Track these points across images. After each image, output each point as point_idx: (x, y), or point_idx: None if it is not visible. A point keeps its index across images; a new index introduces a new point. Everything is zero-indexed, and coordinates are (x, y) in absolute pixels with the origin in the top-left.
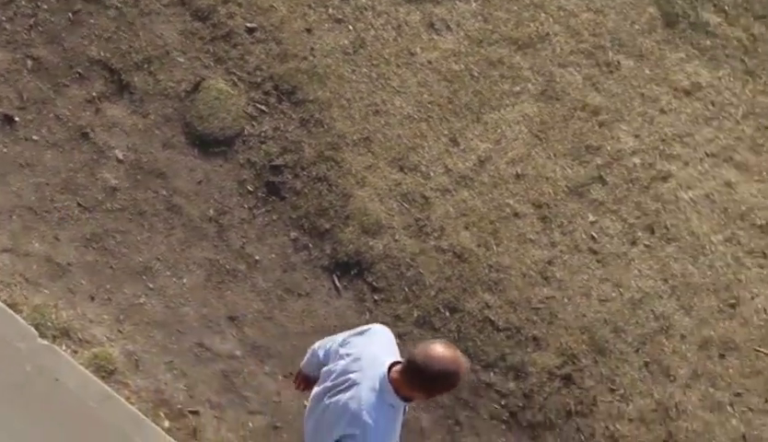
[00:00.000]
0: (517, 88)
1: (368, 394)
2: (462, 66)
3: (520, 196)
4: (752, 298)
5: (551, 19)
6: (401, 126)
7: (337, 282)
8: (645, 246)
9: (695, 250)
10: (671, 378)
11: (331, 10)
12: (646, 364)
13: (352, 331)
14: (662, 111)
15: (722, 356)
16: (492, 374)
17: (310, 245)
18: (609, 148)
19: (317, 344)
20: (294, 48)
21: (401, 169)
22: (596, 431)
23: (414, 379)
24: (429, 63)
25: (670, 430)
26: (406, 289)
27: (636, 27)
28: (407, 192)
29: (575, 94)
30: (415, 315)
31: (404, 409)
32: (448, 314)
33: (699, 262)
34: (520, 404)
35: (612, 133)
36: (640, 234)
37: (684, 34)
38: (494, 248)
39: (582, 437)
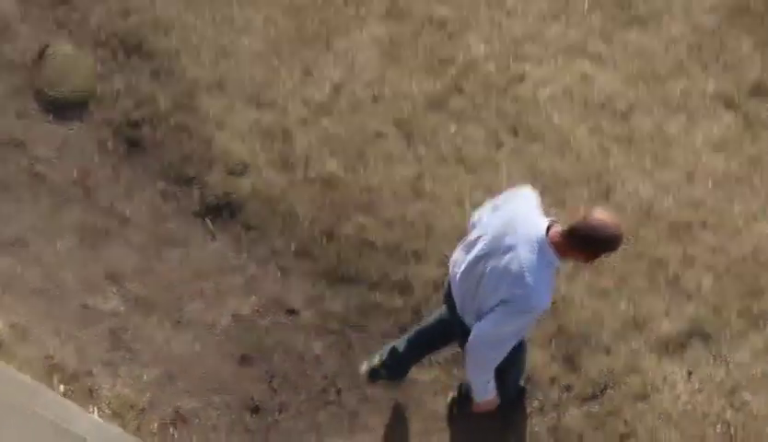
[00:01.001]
0: (363, 11)
1: (528, 255)
2: None
3: (381, 117)
4: (623, 184)
5: None
6: (253, 64)
7: (210, 226)
8: (511, 148)
9: (561, 145)
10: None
11: None
12: None
13: (499, 198)
14: (509, 14)
15: None
16: (378, 293)
17: (179, 193)
18: (462, 58)
19: (475, 216)
20: (134, 1)
21: (259, 107)
22: None
23: (583, 246)
24: None
25: (560, 323)
26: (280, 223)
27: None
28: (267, 128)
29: (420, 9)
30: (293, 247)
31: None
32: (325, 242)
33: (566, 157)
34: (409, 319)
35: (463, 42)
36: (504, 137)
37: None
38: (362, 171)
39: None
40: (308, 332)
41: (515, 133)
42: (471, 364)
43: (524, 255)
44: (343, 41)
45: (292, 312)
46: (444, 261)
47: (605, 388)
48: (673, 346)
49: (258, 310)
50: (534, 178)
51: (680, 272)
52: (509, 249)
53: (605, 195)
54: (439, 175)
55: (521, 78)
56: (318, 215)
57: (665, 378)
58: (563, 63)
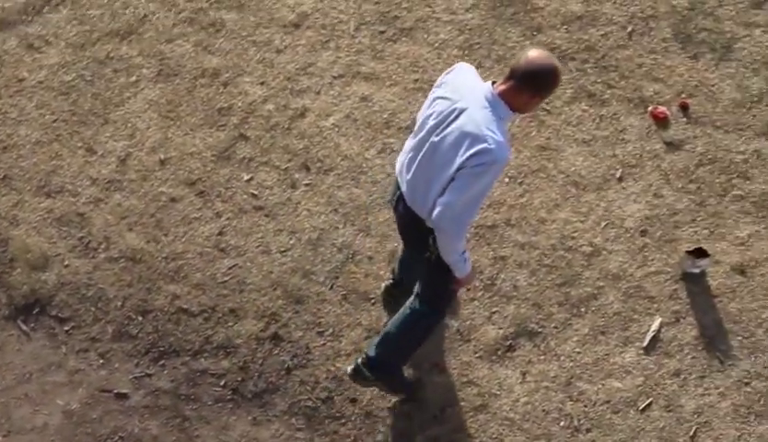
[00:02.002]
0: (134, 78)
1: (481, 112)
2: (74, 75)
3: (171, 180)
4: None
5: (143, 0)
6: (34, 154)
7: (23, 326)
8: (306, 185)
9: (354, 172)
10: (372, 300)
11: None
12: (345, 296)
13: (440, 77)
14: (279, 51)
15: None
16: (203, 360)
17: None
18: (240, 104)
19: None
20: None
21: (49, 195)
22: (319, 377)
23: (528, 83)
24: (40, 83)
25: None
26: (93, 309)
27: None
28: (61, 216)
29: (190, 64)
30: (110, 331)
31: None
32: (141, 318)
33: (362, 182)
34: (239, 379)
35: (239, 88)
36: (297, 175)
37: None
38: (164, 239)
39: (308, 388)
40: (142, 414)
41: (307, 169)
42: (443, 239)
43: (477, 113)
44: (120, 111)
45: (121, 397)
46: (263, 314)
47: (444, 407)
48: (502, 350)
49: (87, 402)
50: (335, 209)
51: (494, 274)
52: (461, 112)
53: None
54: (241, 227)
55: (303, 113)
56: (128, 294)
57: (500, 385)
58: (340, 89)
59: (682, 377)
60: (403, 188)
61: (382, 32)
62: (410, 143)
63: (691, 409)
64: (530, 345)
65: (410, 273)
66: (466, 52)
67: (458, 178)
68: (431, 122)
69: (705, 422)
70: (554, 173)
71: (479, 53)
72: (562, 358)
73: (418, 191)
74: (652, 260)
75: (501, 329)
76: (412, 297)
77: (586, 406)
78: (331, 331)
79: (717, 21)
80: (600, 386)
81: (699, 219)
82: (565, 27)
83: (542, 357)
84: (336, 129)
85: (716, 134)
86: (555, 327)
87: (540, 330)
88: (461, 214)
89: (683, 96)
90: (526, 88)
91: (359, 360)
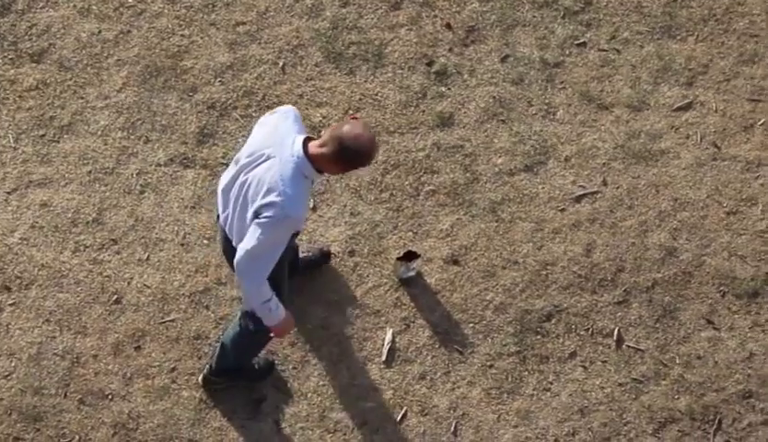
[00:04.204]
0: None
1: (285, 166)
2: None
3: None
4: (129, 282)
5: None
6: None
7: None
8: (11, 305)
9: (55, 278)
10: (109, 396)
11: None
12: (81, 400)
13: (264, 115)
14: None
15: (138, 349)
16: None
17: None
18: None
19: None
20: None
21: None
22: None
23: (337, 156)
24: None
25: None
26: None
27: None
28: None
29: None
30: None
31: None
32: None
33: (65, 286)
34: None
35: None
36: (0, 298)
37: None
38: None
39: None
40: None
41: (8, 289)
42: (242, 285)
43: (281, 165)
44: None
45: None
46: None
47: None
48: (250, 406)
49: None
50: (46, 320)
51: (220, 335)
52: (267, 159)
53: (118, 302)
54: None
55: None
56: None
57: (258, 439)
58: (17, 203)
59: (428, 378)
60: (220, 212)
61: (42, 135)
62: (231, 168)
63: (445, 406)
64: (275, 392)
65: None
66: (130, 130)
67: (253, 225)
68: (244, 160)
69: (463, 414)
70: None
71: (143, 128)
72: (309, 395)
73: (230, 221)
74: (367, 276)
75: (243, 385)
76: (239, 313)
77: (345, 434)
78: (76, 438)
79: (362, 32)
80: (354, 410)
81: (400, 224)
82: (219, 79)
83: (290, 400)
84: (25, 242)
85: (393, 139)
86: (294, 367)
87: (280, 374)
88: (256, 261)
89: (351, 112)
90: (336, 161)
91: (205, 371)
